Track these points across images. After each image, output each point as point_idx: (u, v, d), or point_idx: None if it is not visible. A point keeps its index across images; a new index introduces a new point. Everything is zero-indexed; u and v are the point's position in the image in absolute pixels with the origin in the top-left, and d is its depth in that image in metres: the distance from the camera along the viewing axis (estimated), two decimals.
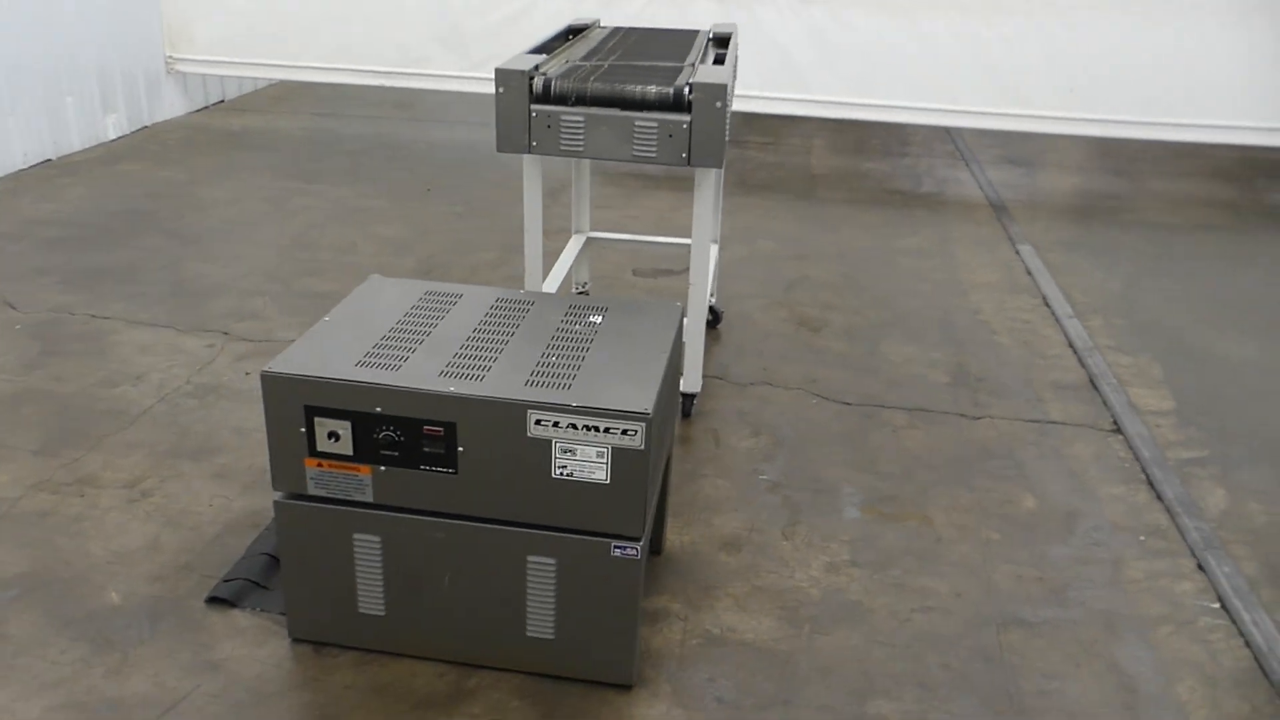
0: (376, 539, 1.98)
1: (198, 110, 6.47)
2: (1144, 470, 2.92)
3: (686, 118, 2.47)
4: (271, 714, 1.93)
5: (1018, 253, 4.64)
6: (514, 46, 5.80)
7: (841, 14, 5.56)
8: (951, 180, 5.87)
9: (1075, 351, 3.66)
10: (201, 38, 5.98)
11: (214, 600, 2.21)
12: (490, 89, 6.11)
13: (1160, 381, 3.47)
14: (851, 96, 5.73)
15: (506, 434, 1.85)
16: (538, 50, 2.87)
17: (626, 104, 2.51)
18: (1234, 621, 2.31)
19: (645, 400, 1.83)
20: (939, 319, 3.90)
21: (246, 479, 2.67)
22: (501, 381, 1.88)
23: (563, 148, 2.56)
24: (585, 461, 1.84)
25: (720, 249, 4.15)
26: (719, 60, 2.89)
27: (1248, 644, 2.24)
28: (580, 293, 3.80)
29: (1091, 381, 3.44)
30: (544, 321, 2.14)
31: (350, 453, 1.91)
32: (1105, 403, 3.29)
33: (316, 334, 2.04)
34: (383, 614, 2.04)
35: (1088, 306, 4.05)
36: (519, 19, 5.81)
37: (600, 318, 2.17)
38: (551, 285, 3.13)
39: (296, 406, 1.89)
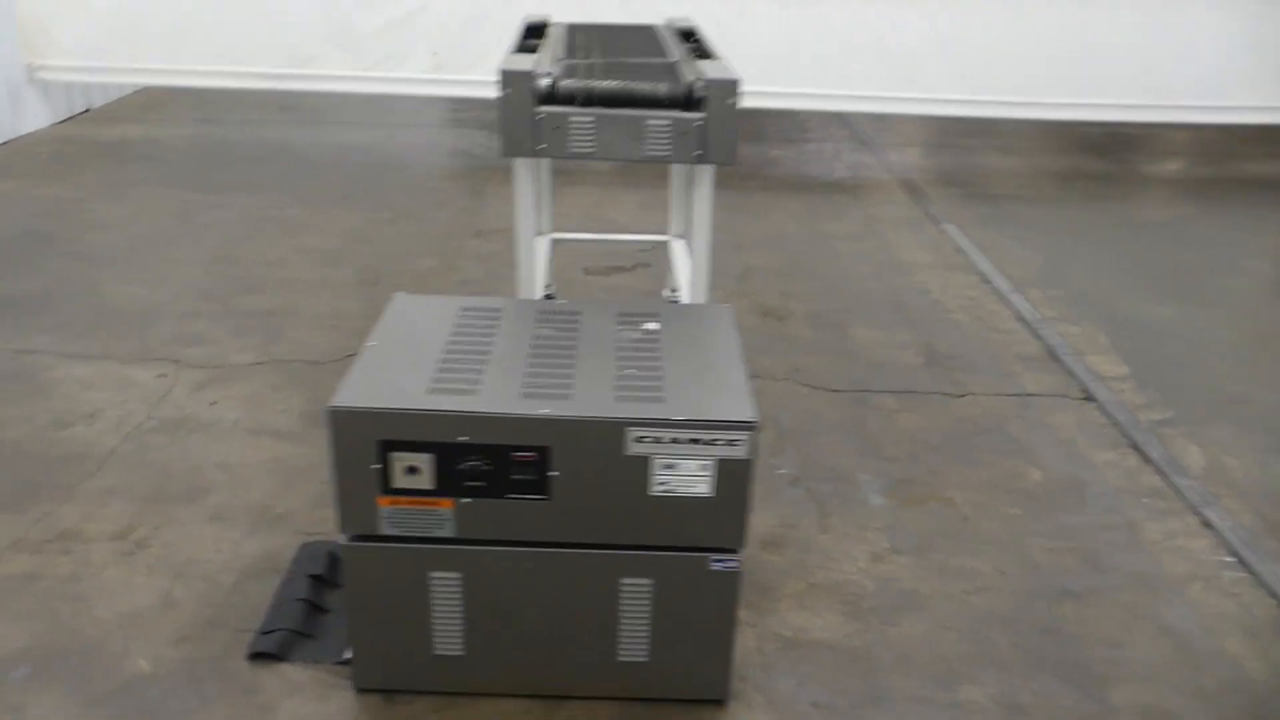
0: (457, 576, 1.85)
1: (62, 121, 5.94)
2: (1124, 435, 3.06)
3: (700, 115, 2.42)
4: None
5: (943, 231, 4.79)
6: (411, 45, 5.60)
7: (740, 3, 5.60)
8: (859, 164, 6.01)
9: (1027, 324, 3.80)
10: (63, 41, 5.49)
11: (258, 656, 2.03)
12: (387, 89, 5.95)
13: (1109, 348, 3.64)
14: (761, 86, 5.78)
15: (603, 454, 1.76)
16: (520, 50, 2.76)
17: (637, 103, 2.44)
18: (1253, 574, 2.45)
19: (747, 409, 1.78)
20: (893, 300, 3.98)
21: (249, 519, 2.46)
22: (591, 399, 1.79)
23: (571, 149, 2.45)
24: (687, 476, 1.78)
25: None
26: (703, 54, 2.84)
27: (1271, 594, 2.38)
28: (546, 296, 3.69)
29: (1050, 353, 3.58)
30: (600, 332, 2.06)
31: (431, 487, 1.78)
32: (1070, 372, 3.44)
33: (370, 362, 1.89)
34: (461, 654, 1.92)
35: (1023, 280, 4.22)
36: (415, 17, 5.58)
37: (655, 324, 2.10)
38: (536, 291, 3.01)
39: (368, 442, 1.75)
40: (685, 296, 2.97)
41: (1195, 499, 2.73)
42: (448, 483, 1.78)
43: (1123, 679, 2.10)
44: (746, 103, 2.47)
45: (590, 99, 2.41)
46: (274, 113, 6.41)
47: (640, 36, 3.18)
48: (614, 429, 1.74)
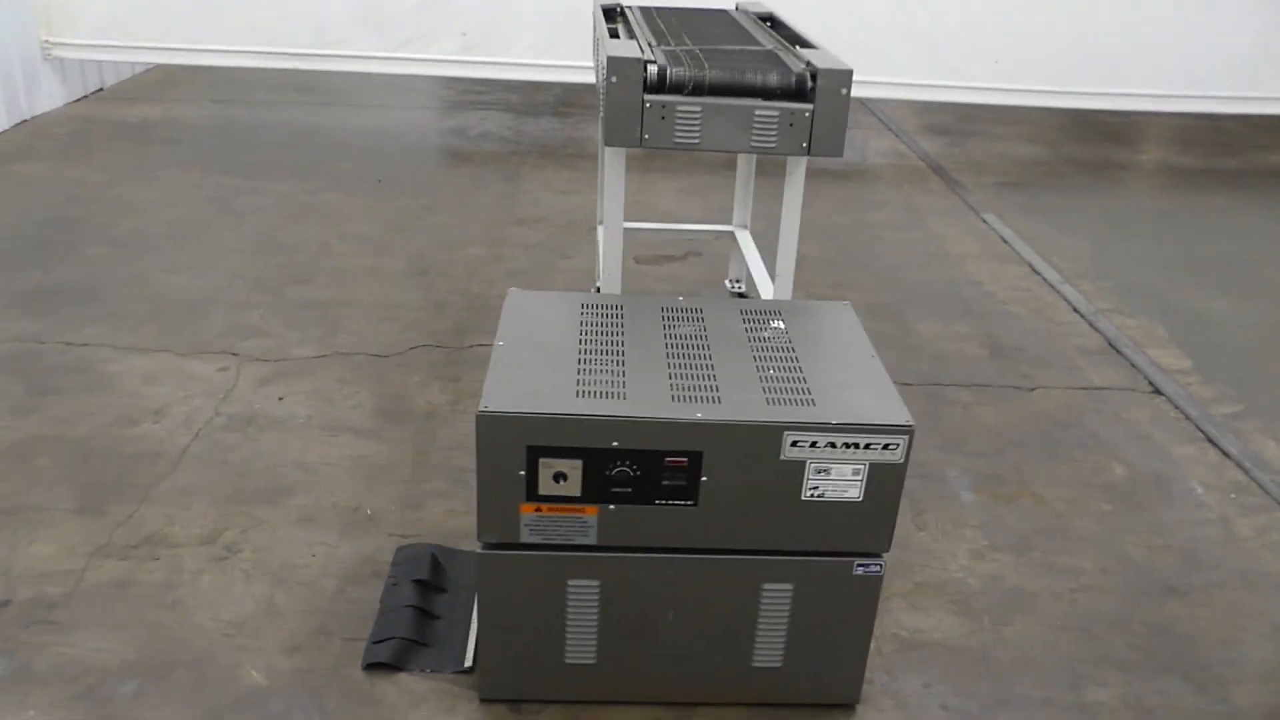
0: (595, 584, 1.80)
1: (77, 100, 5.78)
2: (1199, 428, 3.05)
3: (809, 106, 2.36)
4: None
5: (985, 221, 4.76)
6: (442, 25, 5.49)
7: None
8: (892, 152, 5.97)
9: (1083, 317, 3.78)
10: (86, 19, 5.33)
11: (374, 666, 1.98)
12: (413, 70, 5.83)
13: (1167, 341, 3.63)
14: None
15: (757, 459, 1.71)
16: (609, 35, 2.68)
17: (746, 92, 2.37)
18: None
19: (901, 411, 1.74)
20: (947, 292, 3.95)
21: (339, 521, 2.40)
22: (742, 403, 1.74)
23: (677, 140, 2.39)
24: (839, 480, 1.73)
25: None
26: (801, 43, 2.78)
27: None
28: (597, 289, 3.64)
29: (1111, 345, 3.56)
30: (727, 330, 2.00)
31: (578, 493, 1.72)
32: (1134, 365, 3.42)
33: (504, 363, 1.82)
34: (593, 662, 1.87)
35: (1072, 272, 4.20)
36: None
37: (781, 323, 2.05)
38: (617, 284, 2.94)
39: (517, 448, 1.69)
40: (767, 290, 2.92)
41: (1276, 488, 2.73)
42: (594, 489, 1.72)
43: (1243, 679, 2.09)
44: None
45: (700, 88, 2.35)
46: (292, 93, 6.28)
47: (722, 21, 3.11)
48: (771, 433, 1.69)
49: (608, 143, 2.37)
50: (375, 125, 5.88)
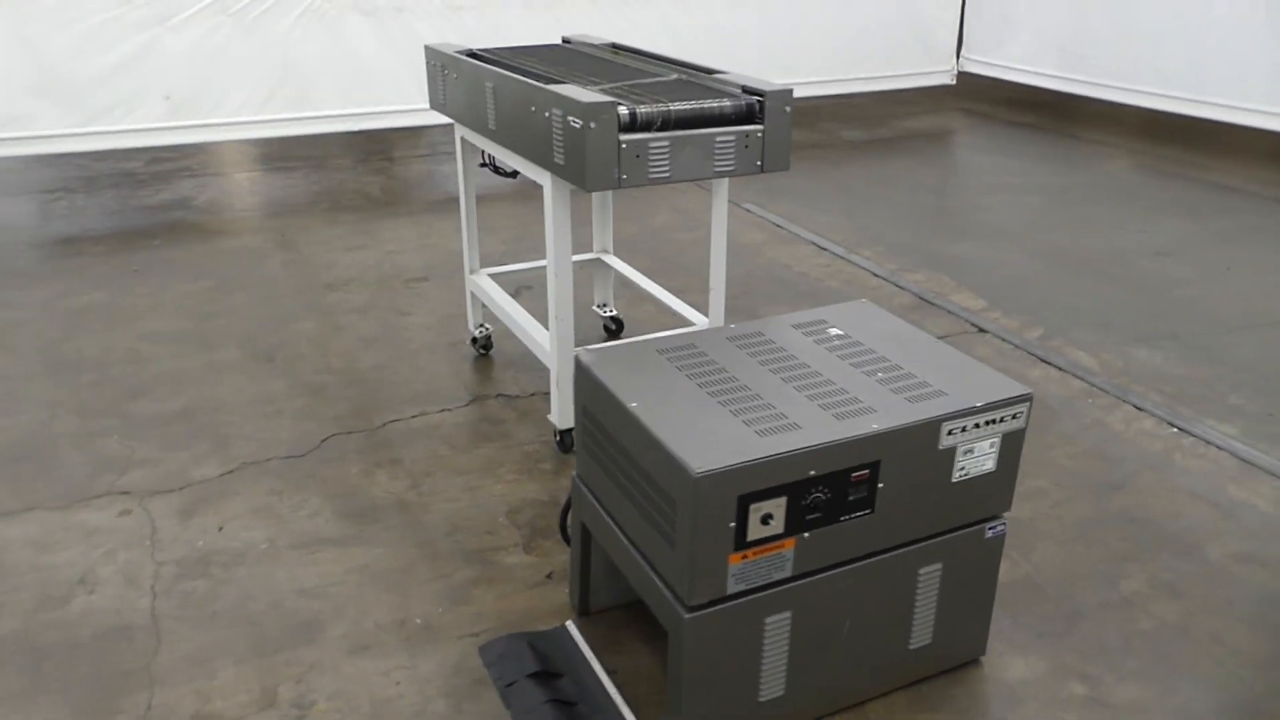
0: (788, 614, 1.82)
1: None
2: (1030, 353, 3.59)
3: (760, 127, 2.49)
4: None
5: (749, 210, 5.16)
6: (142, 90, 4.87)
7: (491, 17, 5.54)
8: None
9: (886, 280, 4.27)
10: None
11: None
12: (115, 144, 5.10)
13: (957, 287, 4.21)
14: None
15: (920, 455, 1.83)
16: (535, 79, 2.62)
17: (705, 122, 2.45)
18: (1192, 434, 3.05)
19: (1015, 384, 1.94)
20: (771, 277, 4.26)
21: (396, 640, 2.16)
22: (893, 407, 1.84)
23: (651, 176, 2.41)
24: (979, 456, 1.90)
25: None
26: (694, 67, 2.88)
27: (1206, 441, 2.99)
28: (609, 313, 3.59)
29: (922, 299, 4.07)
30: (802, 345, 2.09)
31: (781, 530, 1.74)
32: (950, 312, 3.94)
33: (665, 424, 1.77)
34: (782, 694, 1.89)
35: (849, 243, 4.70)
36: (145, 56, 4.84)
37: (837, 329, 2.17)
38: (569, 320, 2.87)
39: (729, 501, 1.67)
40: (670, 302, 3.02)
41: (1115, 390, 3.31)
42: (794, 522, 1.75)
43: (1205, 539, 2.56)
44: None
45: (666, 123, 2.39)
46: None
47: (589, 56, 3.13)
48: (932, 428, 1.82)
49: (589, 189, 2.35)
50: (79, 206, 5.10)
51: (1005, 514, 2.02)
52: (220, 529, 2.52)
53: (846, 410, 1.83)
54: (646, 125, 2.38)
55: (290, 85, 5.15)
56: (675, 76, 2.77)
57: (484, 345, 3.48)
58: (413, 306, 3.89)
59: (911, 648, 2.02)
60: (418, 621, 2.23)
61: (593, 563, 2.19)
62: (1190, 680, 2.10)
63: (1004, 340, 3.68)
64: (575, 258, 3.48)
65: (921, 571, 1.96)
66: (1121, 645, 2.21)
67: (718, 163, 2.49)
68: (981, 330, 3.77)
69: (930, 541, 1.94)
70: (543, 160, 2.55)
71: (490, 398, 3.21)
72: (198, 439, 2.91)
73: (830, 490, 1.77)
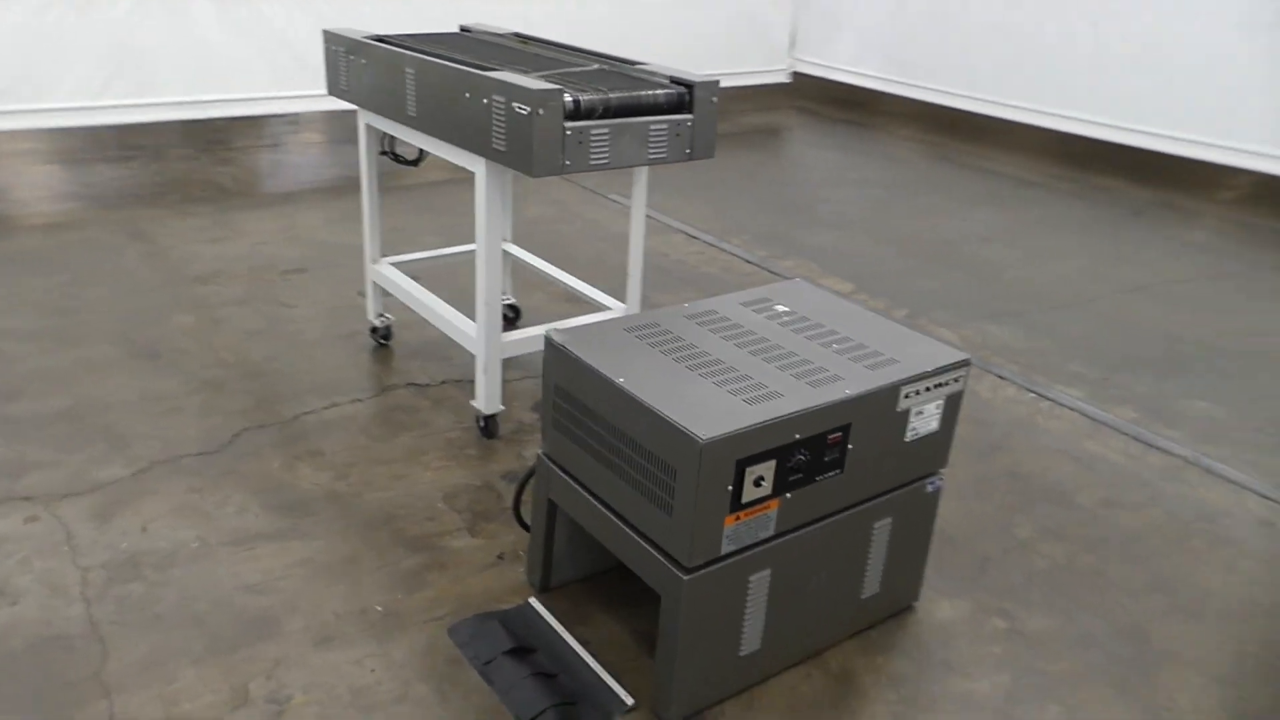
0: (768, 572, 1.94)
1: None
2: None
3: (689, 117, 2.58)
4: None
5: (616, 202, 5.25)
6: None
7: (341, 2, 5.38)
8: None
9: (759, 266, 4.47)
10: None
11: None
12: None
13: (824, 271, 4.47)
14: None
15: (882, 417, 1.99)
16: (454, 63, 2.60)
17: (641, 111, 2.52)
18: (1049, 396, 3.40)
19: (955, 350, 2.13)
20: (654, 265, 4.37)
21: (358, 628, 2.12)
22: (858, 375, 1.98)
23: (592, 162, 2.45)
24: (927, 417, 2.08)
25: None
26: (603, 56, 2.93)
27: (1084, 414, 3.34)
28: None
29: None
30: (756, 321, 2.20)
31: (770, 492, 1.85)
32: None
33: (658, 396, 1.84)
34: (759, 648, 2.01)
35: (717, 231, 4.88)
36: None
37: (783, 306, 2.30)
38: (497, 303, 2.86)
39: (728, 465, 1.76)
40: (587, 291, 3.08)
41: (980, 362, 3.64)
42: (780, 483, 1.86)
43: (1082, 488, 2.88)
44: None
45: (608, 111, 2.45)
46: None
47: (506, 46, 3.13)
48: (892, 392, 1.98)
49: (536, 174, 2.38)
50: None
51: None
52: (143, 529, 2.38)
53: (817, 379, 1.96)
54: (589, 113, 2.43)
55: (129, 71, 4.83)
56: (597, 66, 2.83)
57: (384, 335, 3.42)
58: (295, 298, 3.76)
59: (863, 597, 2.19)
60: (378, 609, 2.20)
61: (555, 539, 2.24)
62: (1084, 610, 2.38)
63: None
64: (467, 247, 3.49)
65: (876, 525, 2.12)
66: (1025, 583, 2.47)
67: (651, 150, 2.57)
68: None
69: (884, 497, 2.11)
70: (476, 146, 2.55)
71: (399, 387, 3.17)
72: (92, 440, 2.73)
73: (810, 452, 1.89)
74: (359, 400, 3.06)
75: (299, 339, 3.43)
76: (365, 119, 3.10)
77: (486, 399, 2.85)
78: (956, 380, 2.11)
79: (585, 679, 2.05)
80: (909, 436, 2.07)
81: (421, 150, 3.33)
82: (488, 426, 2.89)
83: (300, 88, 5.27)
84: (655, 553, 1.88)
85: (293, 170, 5.48)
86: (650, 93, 2.54)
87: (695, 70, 2.69)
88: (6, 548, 2.29)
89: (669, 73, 2.69)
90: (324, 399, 3.05)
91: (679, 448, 1.77)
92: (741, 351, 2.06)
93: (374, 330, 3.41)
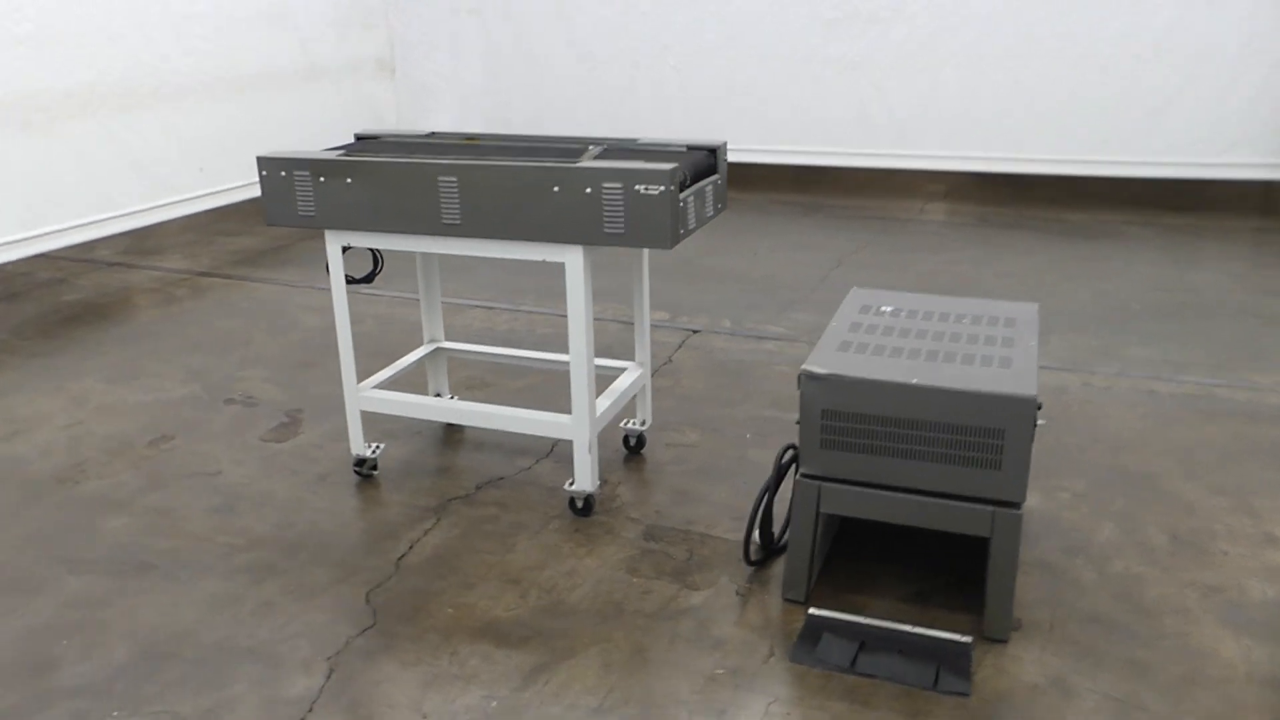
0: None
1: None
2: (734, 335, 4.49)
3: (718, 176, 2.93)
4: None
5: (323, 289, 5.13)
6: None
7: None
8: None
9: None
10: None
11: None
12: None
13: (650, 306, 4.91)
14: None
15: None
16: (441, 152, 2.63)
17: (699, 176, 2.80)
18: None
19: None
20: (500, 338, 4.45)
21: (707, 698, 2.19)
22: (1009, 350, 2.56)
23: (688, 229, 2.68)
24: None
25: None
26: (593, 140, 3.08)
27: None
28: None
29: (625, 322, 4.68)
30: (884, 320, 2.66)
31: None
32: (658, 324, 4.62)
33: (955, 383, 2.24)
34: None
35: (498, 297, 5.04)
36: None
37: (887, 307, 2.78)
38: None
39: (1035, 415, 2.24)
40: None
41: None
42: None
43: None
44: None
45: (685, 182, 2.70)
46: None
47: (481, 145, 3.12)
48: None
49: (670, 246, 2.58)
50: None
51: None
52: None
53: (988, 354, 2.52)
54: (682, 185, 2.68)
55: None
56: (606, 145, 3.01)
57: (372, 466, 3.20)
58: (205, 465, 3.29)
59: None
60: (719, 673, 2.29)
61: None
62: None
63: (715, 332, 4.52)
64: (415, 355, 3.41)
65: None
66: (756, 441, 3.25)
67: (709, 209, 2.88)
68: (694, 332, 4.55)
69: None
70: (571, 236, 2.64)
71: (449, 504, 3.03)
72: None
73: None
74: (428, 531, 2.89)
75: (278, 501, 3.07)
76: (343, 240, 2.92)
77: (591, 478, 2.91)
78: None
79: (923, 640, 2.38)
80: None
81: (378, 263, 3.23)
82: (587, 505, 2.95)
83: None
84: (980, 506, 2.30)
85: (66, 309, 4.49)
86: (698, 160, 2.85)
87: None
88: None
89: (673, 142, 3.01)
90: (383, 554, 2.83)
91: (1006, 412, 2.22)
92: (921, 343, 2.54)
93: (361, 463, 3.18)
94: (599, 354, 4.20)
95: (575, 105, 7.55)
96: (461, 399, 3.70)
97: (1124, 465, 3.23)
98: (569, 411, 2.89)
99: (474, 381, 3.96)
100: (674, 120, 7.31)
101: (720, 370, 4.07)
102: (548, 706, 2.19)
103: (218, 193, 5.91)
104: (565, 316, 4.69)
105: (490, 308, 4.92)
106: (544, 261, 5.58)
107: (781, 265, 5.54)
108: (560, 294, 5.08)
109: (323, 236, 6.32)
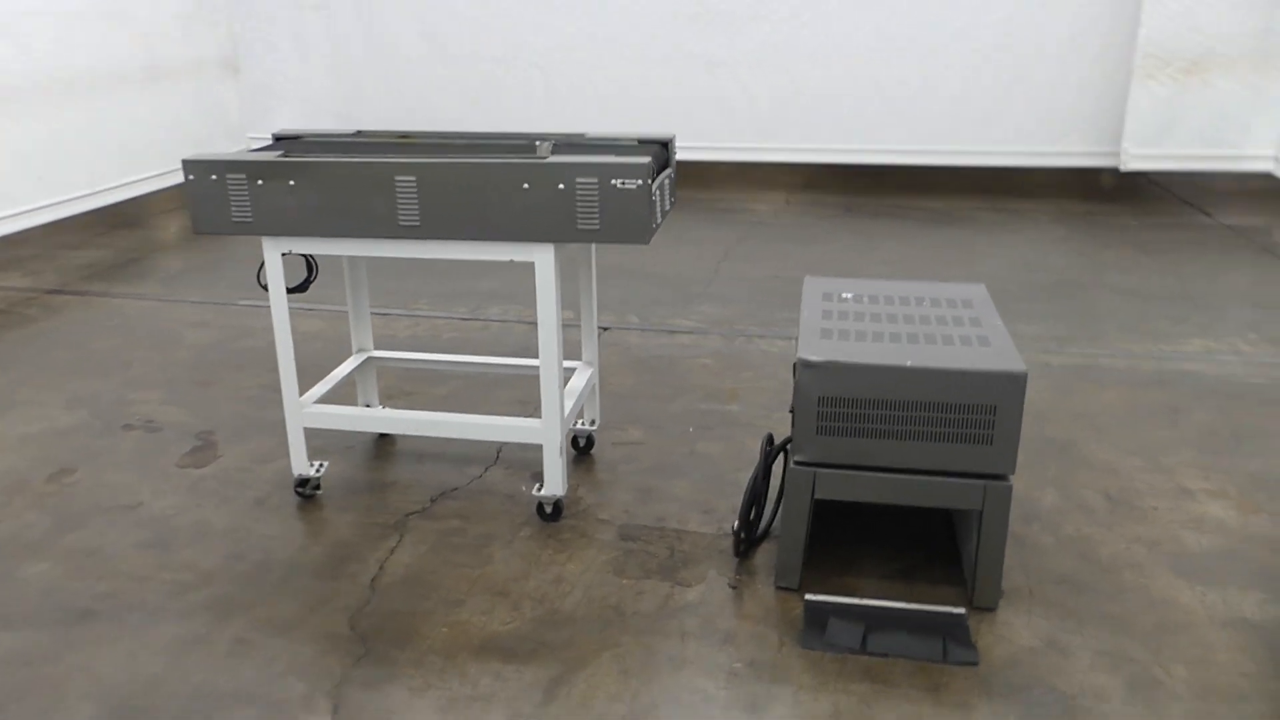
0: None
1: None
2: (652, 330, 4.49)
3: (671, 170, 2.91)
4: None
5: (246, 305, 4.81)
6: None
7: None
8: None
9: (494, 320, 4.63)
10: None
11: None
12: None
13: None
14: None
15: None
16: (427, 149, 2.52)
17: (661, 169, 2.76)
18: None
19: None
20: (424, 344, 4.26)
21: (736, 693, 2.19)
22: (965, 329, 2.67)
23: (657, 222, 2.64)
24: None
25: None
26: (540, 135, 2.97)
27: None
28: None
29: (531, 322, 4.59)
30: (845, 306, 2.72)
31: None
32: (604, 326, 4.56)
33: (946, 363, 2.31)
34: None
35: (394, 304, 4.84)
36: None
37: (849, 294, 2.84)
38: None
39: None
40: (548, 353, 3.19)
41: (723, 331, 4.47)
42: None
43: None
44: None
45: (653, 174, 2.67)
46: None
47: (415, 143, 2.94)
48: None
49: (646, 241, 2.55)
50: None
51: None
52: None
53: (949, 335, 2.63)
54: (650, 178, 2.65)
55: None
56: (553, 141, 2.93)
57: (315, 486, 3.00)
58: (118, 496, 2.99)
59: None
60: (737, 666, 2.28)
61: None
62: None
63: (625, 329, 4.51)
64: (348, 366, 3.23)
65: None
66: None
67: (667, 204, 2.86)
68: (604, 329, 4.52)
69: None
70: (543, 234, 2.56)
71: (406, 519, 2.88)
72: None
73: None
74: (394, 550, 2.74)
75: (218, 531, 2.83)
76: (281, 247, 2.72)
77: (562, 483, 2.84)
78: None
79: (922, 615, 2.45)
80: None
81: (312, 270, 3.07)
82: (555, 510, 2.87)
83: None
84: (972, 481, 2.39)
85: None
86: (657, 153, 2.82)
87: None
88: None
89: (621, 136, 2.97)
90: (351, 578, 2.67)
91: (998, 389, 2.31)
92: (896, 326, 2.61)
93: (305, 483, 2.97)
94: (516, 355, 4.11)
95: (435, 104, 7.34)
96: (392, 408, 3.53)
97: (1047, 435, 3.44)
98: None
99: (394, 390, 3.78)
100: (536, 117, 7.23)
101: (643, 367, 4.06)
102: (578, 719, 2.13)
103: (58, 204, 5.39)
104: (466, 320, 4.60)
105: (386, 314, 4.72)
106: (456, 263, 5.50)
107: (669, 259, 5.58)
108: (458, 298, 4.94)
109: (179, 247, 5.91)
